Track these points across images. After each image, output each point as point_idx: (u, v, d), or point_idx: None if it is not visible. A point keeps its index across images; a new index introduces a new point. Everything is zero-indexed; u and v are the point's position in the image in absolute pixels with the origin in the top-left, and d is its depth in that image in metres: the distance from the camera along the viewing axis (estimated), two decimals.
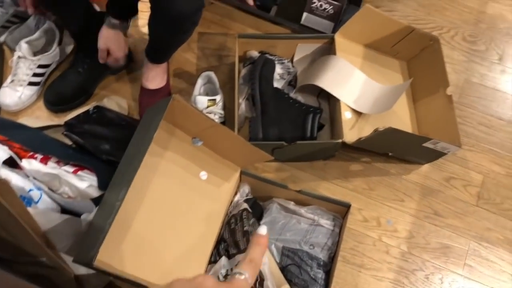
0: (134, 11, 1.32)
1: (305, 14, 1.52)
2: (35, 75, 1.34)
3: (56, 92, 1.35)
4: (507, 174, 1.39)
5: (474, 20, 1.70)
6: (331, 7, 1.47)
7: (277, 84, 1.38)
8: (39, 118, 1.35)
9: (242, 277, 0.43)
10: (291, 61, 1.46)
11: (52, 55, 1.36)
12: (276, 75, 1.38)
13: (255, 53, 1.41)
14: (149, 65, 1.33)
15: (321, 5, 1.48)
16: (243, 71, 1.41)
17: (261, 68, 1.31)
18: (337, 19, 1.49)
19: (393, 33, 1.38)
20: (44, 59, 1.35)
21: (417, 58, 1.44)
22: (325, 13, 1.49)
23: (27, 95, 1.34)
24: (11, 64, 1.34)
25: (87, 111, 1.18)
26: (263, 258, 0.47)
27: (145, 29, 1.29)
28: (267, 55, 1.38)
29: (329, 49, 1.42)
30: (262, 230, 0.48)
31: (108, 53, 1.32)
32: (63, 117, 1.33)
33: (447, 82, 1.29)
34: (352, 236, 1.27)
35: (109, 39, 1.28)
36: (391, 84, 1.37)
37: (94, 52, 1.31)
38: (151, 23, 1.17)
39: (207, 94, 1.38)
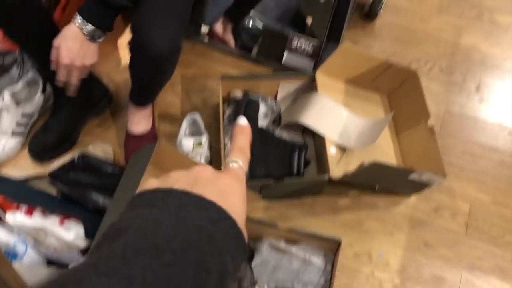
0: (110, 24, 1.09)
1: (286, 53, 1.55)
2: (18, 125, 1.33)
3: (39, 141, 1.34)
4: (493, 202, 1.40)
5: (449, 52, 1.75)
6: (311, 45, 1.50)
7: (262, 122, 1.40)
8: (24, 167, 1.33)
9: (236, 164, 0.42)
10: (275, 99, 1.48)
11: (35, 104, 1.36)
12: (260, 114, 1.40)
13: (238, 93, 1.43)
14: (133, 109, 1.34)
15: (301, 44, 1.51)
16: (228, 112, 1.42)
17: (245, 108, 1.32)
18: (317, 56, 1.52)
19: (372, 69, 1.41)
20: (27, 108, 1.34)
21: (397, 91, 1.47)
22: (305, 52, 1.52)
23: (11, 146, 1.32)
24: None
25: (72, 160, 1.17)
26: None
27: (128, 73, 1.29)
28: (250, 95, 1.40)
29: (311, 87, 1.44)
30: (242, 120, 0.48)
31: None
32: (48, 165, 1.32)
33: (428, 113, 1.31)
34: (345, 272, 1.25)
35: (65, 38, 1.05)
36: (374, 118, 1.39)
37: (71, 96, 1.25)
38: (131, 64, 1.19)
39: (192, 136, 1.39)
